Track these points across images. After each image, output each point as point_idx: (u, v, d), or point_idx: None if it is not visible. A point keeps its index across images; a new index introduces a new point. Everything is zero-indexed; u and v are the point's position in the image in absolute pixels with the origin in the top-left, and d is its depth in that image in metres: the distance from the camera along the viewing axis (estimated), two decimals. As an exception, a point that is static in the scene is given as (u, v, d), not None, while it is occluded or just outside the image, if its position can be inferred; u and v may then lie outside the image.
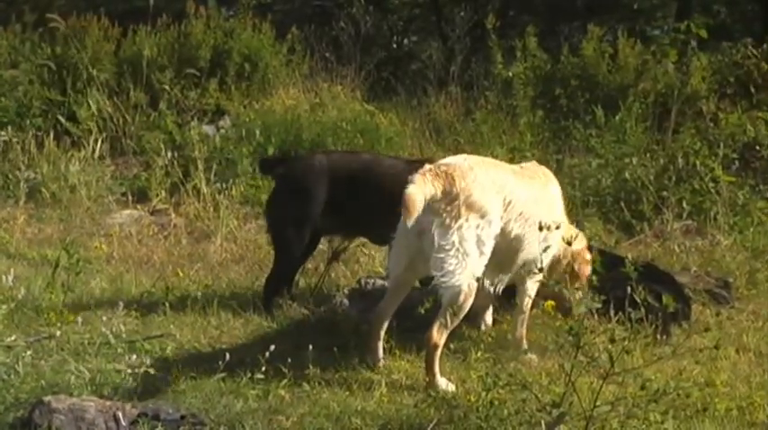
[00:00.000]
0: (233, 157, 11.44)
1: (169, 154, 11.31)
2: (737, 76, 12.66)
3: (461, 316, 6.40)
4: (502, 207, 6.52)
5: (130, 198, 11.21)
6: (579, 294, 6.77)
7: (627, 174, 10.38)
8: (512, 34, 15.01)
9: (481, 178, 6.46)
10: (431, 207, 6.33)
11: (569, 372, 5.41)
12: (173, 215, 10.59)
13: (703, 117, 11.78)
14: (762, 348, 7.32)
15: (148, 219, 10.68)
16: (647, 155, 10.90)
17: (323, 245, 8.43)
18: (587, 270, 7.18)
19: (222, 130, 12.53)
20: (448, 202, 6.34)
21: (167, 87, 13.01)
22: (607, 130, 11.64)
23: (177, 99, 12.96)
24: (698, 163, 10.41)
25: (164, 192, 11.14)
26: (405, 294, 6.82)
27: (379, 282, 7.84)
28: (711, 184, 10.22)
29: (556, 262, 7.12)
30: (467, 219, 6.32)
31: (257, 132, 11.88)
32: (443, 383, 6.31)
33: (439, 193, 6.34)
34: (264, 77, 13.99)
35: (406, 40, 21.59)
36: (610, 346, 5.31)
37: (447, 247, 6.29)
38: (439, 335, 6.32)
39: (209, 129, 12.54)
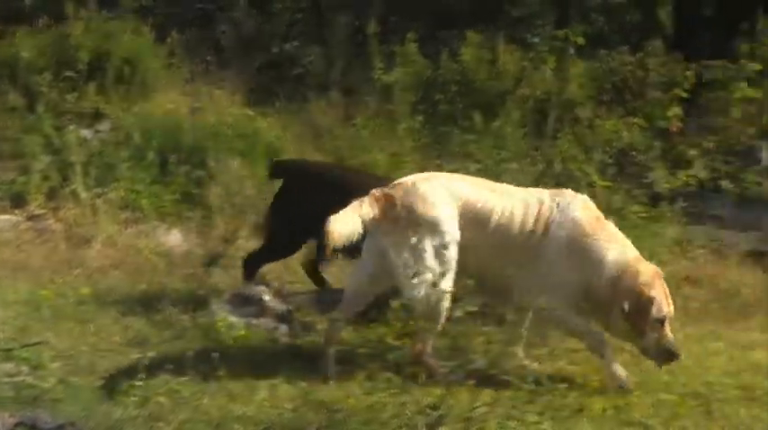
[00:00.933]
0: (112, 162, 11.32)
1: (47, 158, 11.15)
2: (614, 83, 12.89)
3: (439, 321, 6.51)
4: (456, 217, 6.60)
5: (8, 203, 11.03)
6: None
7: (505, 180, 10.49)
8: (393, 40, 15.06)
9: (424, 192, 6.56)
10: (381, 229, 6.45)
11: (447, 375, 5.48)
12: (51, 220, 10.44)
13: (580, 123, 11.95)
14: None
15: (26, 224, 10.52)
16: (526, 160, 11.03)
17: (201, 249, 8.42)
18: (656, 308, 6.67)
19: (101, 134, 12.38)
20: (393, 222, 6.45)
21: (45, 90, 12.82)
22: (486, 136, 11.74)
23: (55, 102, 12.78)
24: (575, 168, 10.56)
25: (42, 197, 10.96)
26: (362, 306, 6.95)
27: (259, 287, 7.84)
28: (588, 189, 10.38)
29: (594, 291, 6.73)
30: (415, 234, 6.40)
31: (136, 136, 11.77)
32: None
33: (380, 215, 6.44)
34: (144, 81, 13.84)
35: (287, 45, 21.54)
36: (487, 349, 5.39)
37: (403, 265, 6.39)
38: (423, 347, 6.51)
39: (87, 132, 12.39)
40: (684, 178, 10.91)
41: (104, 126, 12.72)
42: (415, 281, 6.39)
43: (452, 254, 6.54)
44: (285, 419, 5.88)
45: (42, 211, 10.79)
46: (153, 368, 6.25)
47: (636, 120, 11.96)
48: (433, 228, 6.50)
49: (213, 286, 8.42)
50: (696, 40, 15.46)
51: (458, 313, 5.60)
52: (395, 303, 7.07)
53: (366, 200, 6.60)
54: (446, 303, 6.47)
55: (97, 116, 13.01)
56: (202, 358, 6.70)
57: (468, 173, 10.80)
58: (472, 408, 5.42)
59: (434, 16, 19.64)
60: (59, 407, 5.99)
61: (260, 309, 7.71)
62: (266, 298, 7.72)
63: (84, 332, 7.44)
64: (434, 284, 6.37)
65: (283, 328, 7.54)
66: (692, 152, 11.68)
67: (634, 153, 11.49)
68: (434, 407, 5.45)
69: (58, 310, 7.81)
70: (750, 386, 6.86)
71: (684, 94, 12.58)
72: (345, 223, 6.44)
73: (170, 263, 9.21)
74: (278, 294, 7.93)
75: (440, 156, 11.70)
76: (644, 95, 12.63)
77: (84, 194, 10.54)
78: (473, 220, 6.70)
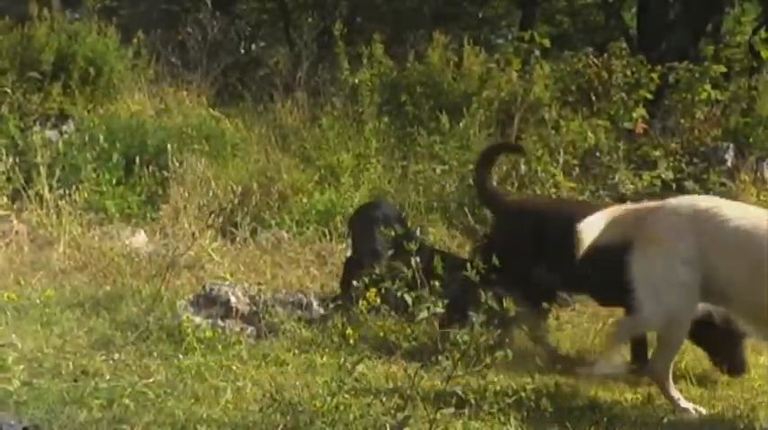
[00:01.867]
0: (76, 163, 11.27)
1: (11, 159, 11.09)
2: (579, 85, 12.94)
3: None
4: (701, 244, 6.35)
5: (-29, 204, 10.97)
6: None
7: (471, 181, 10.52)
8: (359, 41, 15.12)
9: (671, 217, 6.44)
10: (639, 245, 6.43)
11: (413, 376, 5.49)
12: (14, 222, 10.36)
13: (545, 124, 12.00)
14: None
15: (-11, 226, 10.46)
16: (491, 161, 11.06)
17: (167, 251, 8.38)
18: None
19: (65, 135, 12.33)
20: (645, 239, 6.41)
21: (9, 91, 12.76)
22: (451, 137, 11.79)
23: (20, 103, 12.72)
24: (539, 169, 10.61)
25: (5, 199, 10.89)
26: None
27: (224, 288, 7.82)
28: (553, 190, 10.43)
29: None
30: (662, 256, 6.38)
31: (101, 138, 11.72)
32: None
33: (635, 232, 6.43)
34: (109, 82, 13.82)
35: (253, 46, 21.56)
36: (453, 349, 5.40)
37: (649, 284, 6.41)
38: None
39: (52, 134, 12.33)
40: (649, 179, 10.99)
41: (69, 127, 12.67)
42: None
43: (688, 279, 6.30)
44: (250, 421, 5.86)
45: (6, 213, 10.71)
46: (118, 370, 6.23)
47: (600, 121, 12.03)
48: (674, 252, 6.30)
49: (179, 287, 8.40)
50: (661, 42, 15.59)
51: (422, 314, 5.60)
52: (362, 303, 7.04)
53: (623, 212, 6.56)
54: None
55: (62, 117, 12.97)
56: (168, 360, 6.70)
57: (434, 173, 10.92)
58: (437, 409, 5.43)
59: (399, 17, 19.73)
60: (24, 410, 5.94)
61: (226, 310, 7.69)
62: (233, 299, 7.70)
63: (48, 334, 7.38)
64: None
65: (250, 330, 7.52)
66: (657, 153, 11.76)
67: (599, 154, 11.55)
68: (399, 408, 5.46)
69: (23, 312, 7.75)
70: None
71: (649, 96, 12.68)
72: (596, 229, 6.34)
73: (135, 264, 9.18)
74: (245, 295, 7.90)
75: (405, 157, 11.74)
76: (609, 97, 12.69)
77: (48, 196, 10.47)
78: (742, 250, 6.28)
